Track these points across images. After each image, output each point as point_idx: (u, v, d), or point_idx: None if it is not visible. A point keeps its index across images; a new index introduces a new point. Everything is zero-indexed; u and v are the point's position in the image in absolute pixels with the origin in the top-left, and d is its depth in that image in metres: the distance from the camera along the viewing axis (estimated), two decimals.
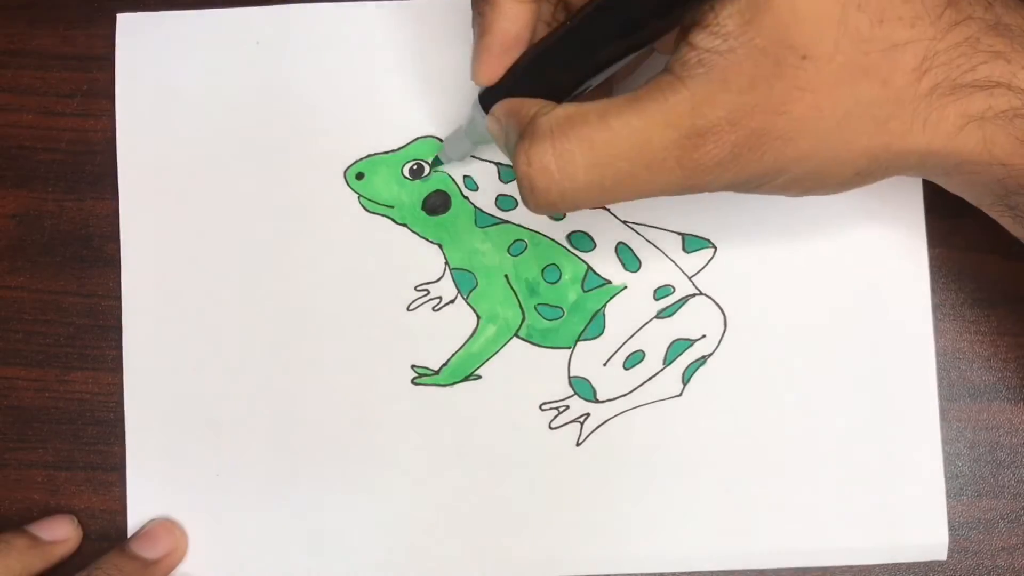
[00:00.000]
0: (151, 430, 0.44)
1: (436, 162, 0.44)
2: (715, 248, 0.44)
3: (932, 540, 0.43)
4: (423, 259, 0.44)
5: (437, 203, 0.44)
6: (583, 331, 0.44)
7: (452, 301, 0.44)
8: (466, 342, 0.44)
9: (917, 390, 0.43)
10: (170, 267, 0.44)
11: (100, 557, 0.42)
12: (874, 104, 0.31)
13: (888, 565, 0.43)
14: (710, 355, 0.43)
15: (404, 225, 0.44)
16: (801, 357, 0.43)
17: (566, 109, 0.32)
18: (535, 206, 0.32)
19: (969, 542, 0.43)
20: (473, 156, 0.44)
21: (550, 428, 0.43)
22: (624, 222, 0.44)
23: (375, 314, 0.44)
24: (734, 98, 0.30)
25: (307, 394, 0.44)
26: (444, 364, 0.44)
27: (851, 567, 0.43)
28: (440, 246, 0.44)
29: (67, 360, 0.45)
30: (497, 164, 0.44)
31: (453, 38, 0.44)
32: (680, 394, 0.43)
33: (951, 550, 0.43)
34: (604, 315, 0.44)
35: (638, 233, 0.44)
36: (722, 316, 0.44)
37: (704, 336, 0.43)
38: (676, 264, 0.44)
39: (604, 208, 0.44)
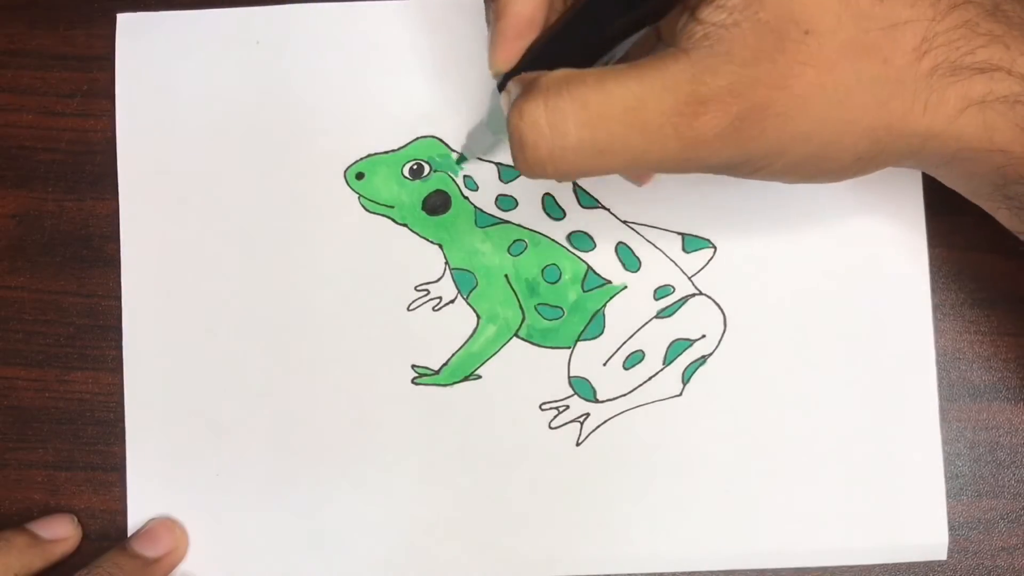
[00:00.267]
0: (151, 430, 0.44)
1: (460, 158, 0.44)
2: (715, 248, 0.44)
3: (932, 540, 0.43)
4: (423, 259, 0.44)
5: (437, 203, 0.44)
6: (583, 331, 0.44)
7: (452, 301, 0.44)
8: (466, 342, 0.44)
9: (917, 390, 0.43)
10: (170, 267, 0.44)
11: (100, 556, 0.42)
12: (875, 82, 0.31)
13: (888, 565, 0.43)
14: (710, 355, 0.43)
15: (404, 225, 0.44)
16: (801, 357, 0.43)
17: (565, 71, 0.31)
18: (524, 163, 0.31)
19: (969, 542, 0.43)
20: (485, 160, 0.44)
21: (550, 428, 0.43)
22: (624, 222, 0.44)
23: (375, 314, 0.44)
24: (736, 69, 0.30)
25: (307, 394, 0.44)
26: (444, 364, 0.44)
27: (851, 567, 0.43)
28: (440, 246, 0.44)
29: (67, 360, 0.45)
30: (497, 164, 0.44)
31: (454, 38, 0.44)
32: (680, 394, 0.43)
33: (951, 550, 0.43)
34: (604, 315, 0.44)
35: (638, 233, 0.44)
36: (722, 316, 0.44)
37: (704, 336, 0.43)
38: (676, 264, 0.44)
39: (604, 207, 0.44)
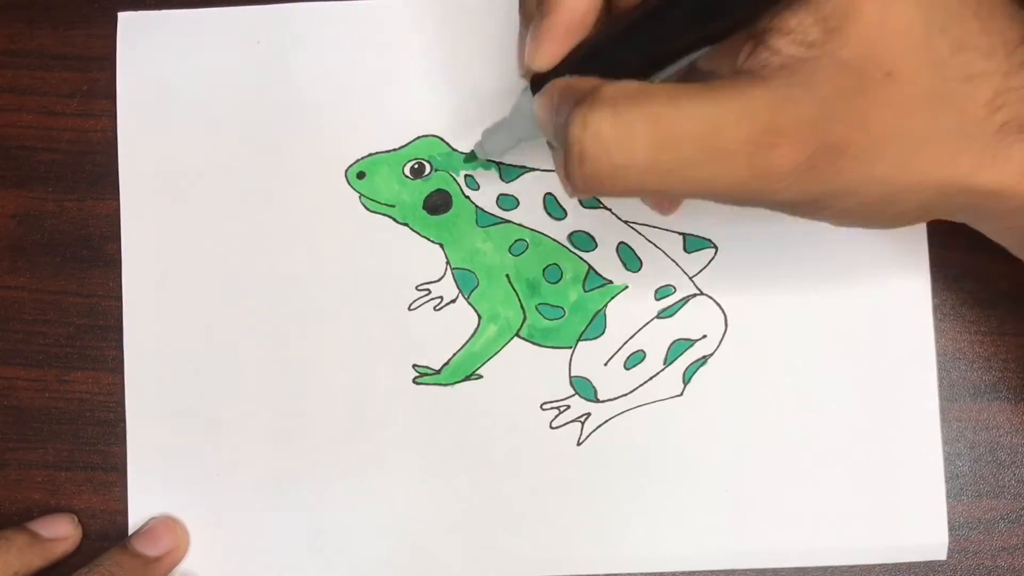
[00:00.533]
0: (151, 430, 0.44)
1: (471, 156, 0.43)
2: (716, 248, 0.44)
3: (932, 540, 0.43)
4: (424, 259, 0.44)
5: (438, 202, 0.44)
6: (584, 331, 0.44)
7: (453, 301, 0.44)
8: (467, 342, 0.44)
9: (917, 390, 0.43)
10: (170, 267, 0.44)
11: (101, 555, 0.42)
12: (950, 133, 0.30)
13: (888, 565, 0.43)
14: (711, 355, 0.43)
15: (405, 225, 0.44)
16: (801, 357, 0.43)
17: (634, 84, 0.29)
18: (581, 179, 0.29)
19: (969, 542, 0.43)
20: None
21: (551, 428, 0.43)
22: (625, 222, 0.44)
23: (376, 314, 0.44)
24: (818, 103, 0.29)
25: (308, 393, 0.44)
26: (445, 364, 0.44)
27: (851, 567, 0.43)
28: (441, 246, 0.44)
29: (67, 360, 0.45)
30: (499, 164, 0.44)
31: (455, 37, 0.44)
32: (681, 394, 0.43)
33: (951, 550, 0.43)
34: (605, 315, 0.44)
35: (639, 233, 0.44)
36: (723, 316, 0.44)
37: (705, 336, 0.44)
38: (677, 264, 0.44)
39: (605, 208, 0.44)
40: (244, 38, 0.45)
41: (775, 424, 0.43)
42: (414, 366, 0.44)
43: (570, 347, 0.44)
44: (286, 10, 0.45)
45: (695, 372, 0.43)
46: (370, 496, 0.43)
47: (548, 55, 0.32)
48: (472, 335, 0.44)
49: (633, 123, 0.28)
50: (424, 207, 0.44)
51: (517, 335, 0.44)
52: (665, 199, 0.37)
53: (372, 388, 0.44)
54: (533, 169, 0.44)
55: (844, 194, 0.30)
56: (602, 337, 0.44)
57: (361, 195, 0.44)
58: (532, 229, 0.44)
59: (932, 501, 0.43)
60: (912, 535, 0.43)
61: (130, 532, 0.44)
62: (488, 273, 0.44)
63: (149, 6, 0.45)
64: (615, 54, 0.31)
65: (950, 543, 0.43)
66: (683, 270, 0.44)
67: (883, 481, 0.43)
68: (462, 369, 0.44)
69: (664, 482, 0.43)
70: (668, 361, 0.43)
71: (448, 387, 0.44)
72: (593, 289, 0.44)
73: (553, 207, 0.44)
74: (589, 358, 0.43)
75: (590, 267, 0.44)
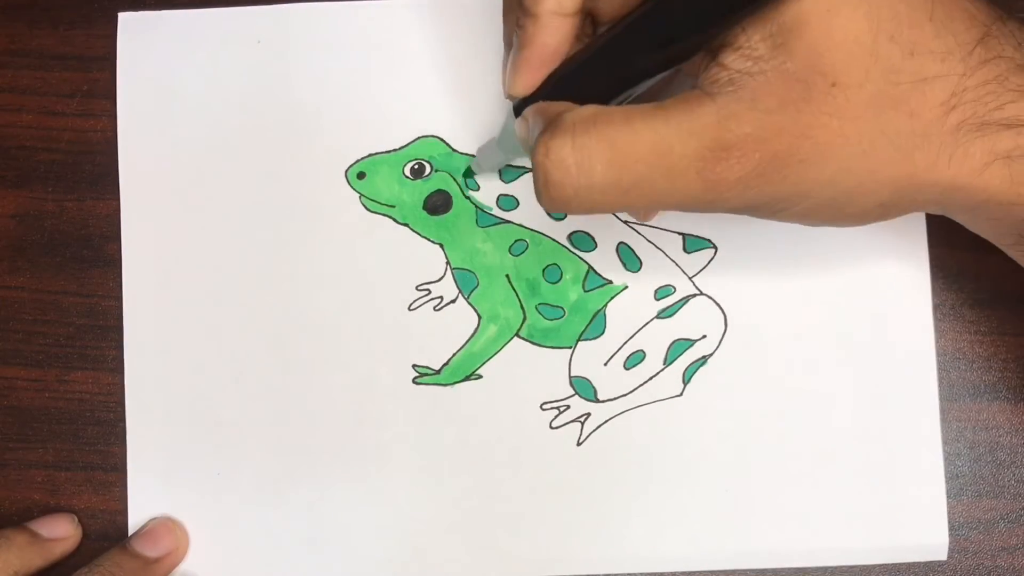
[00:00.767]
0: (151, 430, 0.44)
1: (468, 173, 0.44)
2: (716, 248, 0.44)
3: (932, 540, 0.43)
4: (424, 259, 0.44)
5: (438, 203, 0.44)
6: (584, 331, 0.44)
7: (453, 301, 0.44)
8: (467, 342, 0.44)
9: (917, 390, 0.43)
10: (171, 267, 0.44)
11: (101, 555, 0.42)
12: (901, 135, 0.31)
13: (888, 565, 0.43)
14: (711, 355, 0.43)
15: (405, 225, 0.44)
16: (801, 357, 0.43)
17: (592, 109, 0.31)
18: (548, 201, 0.31)
19: (969, 542, 0.43)
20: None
21: (551, 428, 0.43)
22: (625, 222, 0.44)
23: (376, 314, 0.44)
24: (762, 117, 0.30)
25: (308, 393, 0.44)
26: (445, 364, 0.44)
27: (851, 567, 0.43)
28: (441, 246, 0.44)
29: (67, 360, 0.45)
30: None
31: (455, 37, 0.44)
32: (680, 394, 0.43)
33: (951, 550, 0.43)
34: (605, 315, 0.44)
35: (639, 233, 0.44)
36: (723, 316, 0.44)
37: (705, 336, 0.44)
38: (677, 264, 0.44)
39: None
40: (244, 38, 0.45)
41: (775, 424, 0.43)
42: (414, 366, 0.44)
43: (570, 347, 0.44)
44: (286, 10, 0.45)
45: (695, 372, 0.43)
46: (370, 496, 0.43)
47: (524, 83, 0.35)
48: (472, 335, 0.44)
49: (591, 147, 0.30)
50: (424, 207, 0.44)
51: (517, 335, 0.44)
52: (637, 211, 0.38)
53: (372, 388, 0.44)
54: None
55: (796, 196, 0.32)
56: (602, 337, 0.44)
57: (361, 195, 0.44)
58: (532, 229, 0.44)
59: (932, 501, 0.43)
60: (912, 535, 0.43)
61: (130, 532, 0.44)
62: (488, 273, 0.44)
63: (149, 6, 0.45)
64: (585, 79, 0.33)
65: (950, 543, 0.43)
66: (683, 270, 0.44)
67: (883, 481, 0.43)
68: (462, 369, 0.44)
69: (664, 482, 0.43)
70: (668, 361, 0.43)
71: (448, 387, 0.44)
72: (593, 289, 0.44)
73: None
74: (589, 358, 0.44)
75: (590, 267, 0.44)
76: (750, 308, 0.44)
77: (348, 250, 0.44)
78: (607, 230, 0.44)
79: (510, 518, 0.43)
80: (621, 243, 0.44)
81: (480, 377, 0.44)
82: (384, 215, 0.44)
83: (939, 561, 0.43)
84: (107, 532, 0.44)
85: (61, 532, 0.43)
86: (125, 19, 0.45)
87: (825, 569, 0.43)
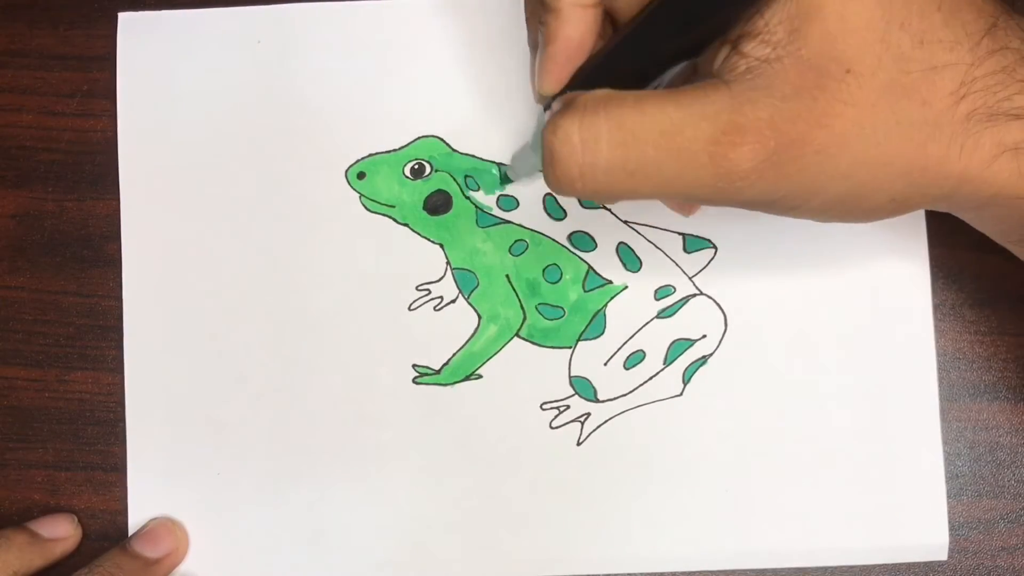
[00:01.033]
0: (151, 430, 0.44)
1: (504, 179, 0.44)
2: (716, 248, 0.44)
3: (933, 540, 0.43)
4: (424, 259, 0.44)
5: (438, 203, 0.44)
6: (584, 331, 0.44)
7: (453, 301, 0.44)
8: (467, 342, 0.44)
9: (917, 390, 0.43)
10: (171, 267, 0.44)
11: (101, 556, 0.42)
12: (914, 125, 0.31)
13: (888, 565, 0.43)
14: (711, 355, 0.43)
15: (405, 225, 0.44)
16: (801, 357, 0.43)
17: (605, 91, 0.31)
18: (554, 179, 0.31)
19: (969, 542, 0.43)
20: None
21: (551, 428, 0.43)
22: (625, 222, 0.44)
23: (376, 314, 0.44)
24: (777, 103, 0.30)
25: (308, 393, 0.44)
26: (445, 364, 0.44)
27: (851, 567, 0.43)
28: (441, 246, 0.44)
29: (67, 360, 0.45)
30: (499, 164, 0.44)
31: (455, 37, 0.44)
32: (680, 394, 0.43)
33: (951, 550, 0.43)
34: (605, 315, 0.44)
35: (639, 233, 0.44)
36: (723, 316, 0.44)
37: (705, 336, 0.44)
38: (677, 264, 0.44)
39: (605, 208, 0.44)
40: (244, 38, 0.45)
41: (775, 424, 0.43)
42: (414, 366, 0.44)
43: (570, 347, 0.44)
44: (286, 10, 0.45)
45: (695, 372, 0.43)
46: (370, 496, 0.43)
47: (553, 80, 0.34)
48: (472, 335, 0.44)
49: (598, 125, 0.30)
50: (424, 207, 0.44)
51: (517, 335, 0.44)
52: (675, 201, 0.38)
53: (372, 388, 0.44)
54: None
55: (811, 191, 0.31)
56: (602, 337, 0.44)
57: (361, 195, 0.44)
58: (532, 229, 0.44)
59: (933, 501, 0.43)
60: (913, 535, 0.43)
61: (130, 532, 0.44)
62: (488, 273, 0.44)
63: (149, 6, 0.45)
64: (610, 72, 0.33)
65: (950, 543, 0.43)
66: (683, 270, 0.44)
67: (883, 481, 0.43)
68: (462, 369, 0.44)
69: (664, 482, 0.43)
70: (668, 361, 0.43)
71: (448, 387, 0.44)
72: (593, 289, 0.44)
73: (553, 207, 0.44)
74: (589, 358, 0.44)
75: (590, 267, 0.44)
76: (750, 308, 0.44)
77: (348, 250, 0.44)
78: (607, 230, 0.44)
79: (510, 518, 0.43)
80: (621, 243, 0.44)
81: (480, 377, 0.44)
82: (384, 215, 0.44)
83: (939, 561, 0.43)
84: (107, 532, 0.44)
85: (61, 532, 0.43)
86: (125, 19, 0.45)
87: (825, 569, 0.43)
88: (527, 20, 0.37)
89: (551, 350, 0.44)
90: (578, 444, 0.43)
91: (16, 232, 0.45)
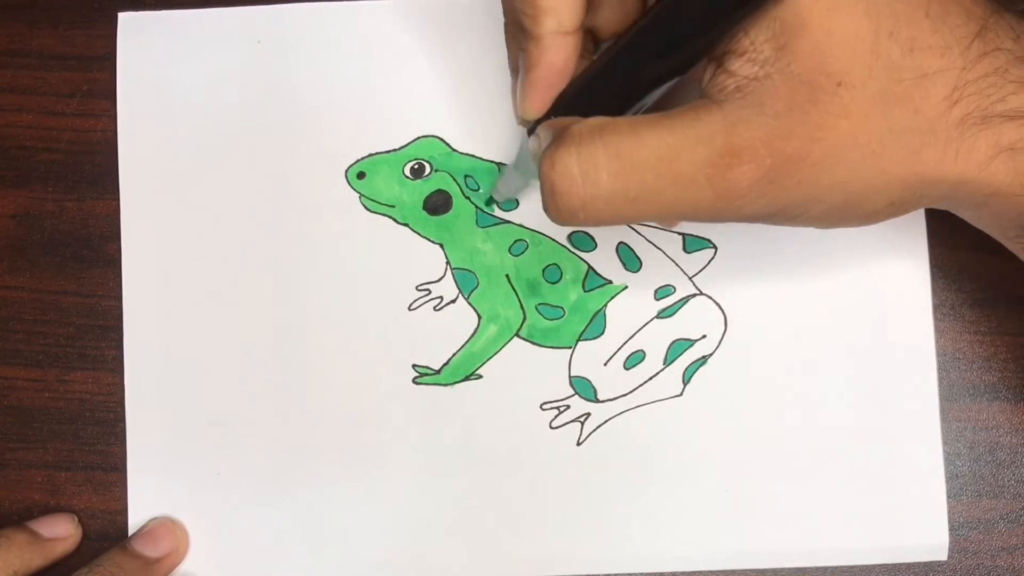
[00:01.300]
0: (151, 430, 0.44)
1: (490, 201, 0.44)
2: (716, 248, 0.44)
3: (933, 540, 0.43)
4: (424, 259, 0.44)
5: (438, 203, 0.44)
6: (584, 331, 0.44)
7: (453, 301, 0.44)
8: (467, 342, 0.44)
9: (917, 390, 0.43)
10: (171, 267, 0.44)
11: (101, 555, 0.42)
12: (908, 132, 0.31)
13: (888, 565, 0.43)
14: (711, 355, 0.43)
15: (405, 225, 0.44)
16: (801, 357, 0.43)
17: (598, 120, 0.31)
18: (556, 212, 0.31)
19: (969, 542, 0.43)
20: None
21: (551, 428, 0.43)
22: None
23: (376, 314, 0.44)
24: (770, 121, 0.30)
25: (308, 393, 0.44)
26: (445, 364, 0.44)
27: (851, 567, 0.43)
28: (441, 246, 0.44)
29: (67, 360, 0.45)
30: (499, 164, 0.44)
31: (455, 37, 0.44)
32: (680, 394, 0.43)
33: (951, 550, 0.43)
34: (605, 315, 0.44)
35: (639, 233, 0.44)
36: (722, 316, 0.44)
37: (705, 336, 0.44)
38: (677, 264, 0.44)
39: None
40: (244, 38, 0.45)
41: (775, 424, 0.43)
42: (414, 366, 0.44)
43: (570, 347, 0.44)
44: (286, 10, 0.45)
45: (695, 372, 0.43)
46: (370, 496, 0.43)
47: (535, 105, 0.35)
48: (472, 335, 0.44)
49: (597, 157, 0.30)
50: (424, 207, 0.44)
51: (517, 335, 0.44)
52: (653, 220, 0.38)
53: (372, 388, 0.44)
54: None
55: (810, 202, 0.32)
56: (602, 337, 0.44)
57: (361, 195, 0.44)
58: (532, 229, 0.44)
59: (933, 501, 0.43)
60: (912, 535, 0.43)
61: (130, 532, 0.44)
62: (488, 273, 0.44)
63: (149, 6, 0.45)
64: (595, 95, 0.33)
65: (950, 543, 0.43)
66: (683, 270, 0.44)
67: (883, 481, 0.43)
68: (462, 369, 0.44)
69: (664, 482, 0.43)
70: (668, 361, 0.43)
71: (448, 387, 0.44)
72: (593, 289, 0.44)
73: None
74: (589, 358, 0.44)
75: (590, 267, 0.44)
76: (750, 308, 0.44)
77: (348, 250, 0.44)
78: (607, 230, 0.44)
79: (510, 518, 0.43)
80: (621, 243, 0.44)
81: (480, 377, 0.44)
82: (384, 215, 0.44)
83: (939, 561, 0.43)
84: (107, 532, 0.44)
85: (61, 532, 0.43)
86: (125, 19, 0.45)
87: (825, 569, 0.43)
88: (507, 44, 0.37)
89: (551, 350, 0.44)
90: (578, 444, 0.43)
91: (16, 232, 0.45)
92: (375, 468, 0.44)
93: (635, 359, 0.43)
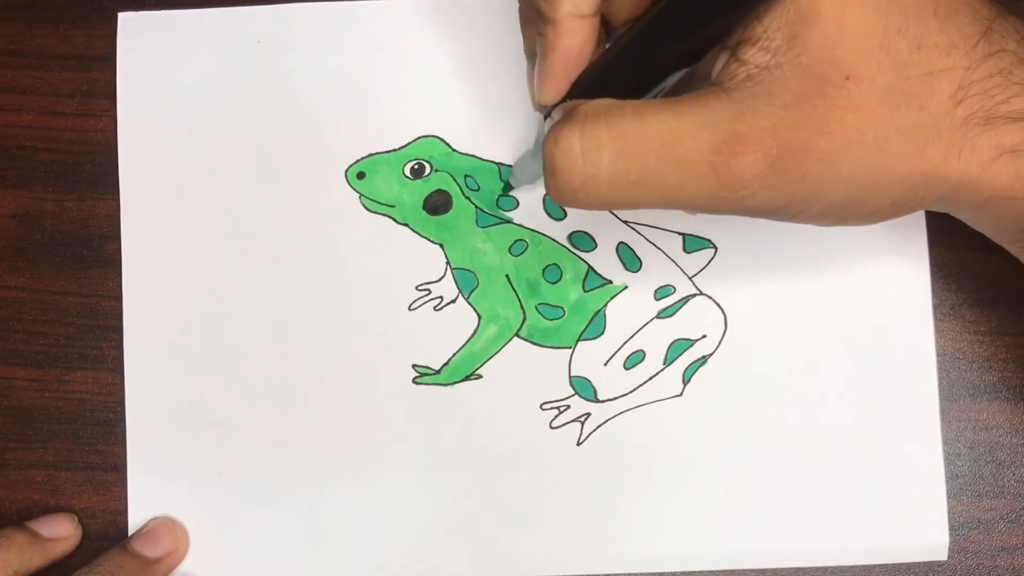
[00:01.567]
0: (151, 430, 0.44)
1: (507, 187, 0.44)
2: (716, 248, 0.44)
3: (933, 540, 0.43)
4: (424, 259, 0.44)
5: (438, 203, 0.44)
6: (584, 331, 0.44)
7: (453, 301, 0.44)
8: (467, 342, 0.44)
9: (917, 390, 0.43)
10: (171, 267, 0.44)
11: (101, 555, 0.42)
12: (913, 129, 0.31)
13: (888, 565, 0.43)
14: (711, 355, 0.43)
15: (405, 225, 0.44)
16: (801, 357, 0.43)
17: (605, 101, 0.31)
18: (556, 190, 0.31)
19: (969, 542, 0.43)
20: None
21: (551, 428, 0.43)
22: (625, 222, 0.44)
23: (376, 314, 0.44)
24: (778, 111, 0.30)
25: (308, 393, 0.44)
26: (445, 364, 0.44)
27: (851, 567, 0.43)
28: (441, 246, 0.44)
29: (67, 360, 0.45)
30: (499, 164, 0.44)
31: (455, 37, 0.44)
32: (680, 394, 0.43)
33: (951, 550, 0.43)
34: (605, 315, 0.44)
35: (639, 233, 0.44)
36: (722, 316, 0.44)
37: (705, 336, 0.44)
38: (677, 264, 0.44)
39: None
40: (244, 38, 0.45)
41: (775, 424, 0.43)
42: (414, 366, 0.44)
43: (570, 347, 0.44)
44: (286, 10, 0.45)
45: (695, 372, 0.43)
46: (370, 496, 0.43)
47: (552, 90, 0.34)
48: (472, 335, 0.44)
49: (599, 136, 0.30)
50: (424, 207, 0.44)
51: (517, 335, 0.44)
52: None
53: (372, 388, 0.44)
54: None
55: (814, 197, 0.31)
56: (602, 337, 0.44)
57: (361, 195, 0.44)
58: (532, 229, 0.44)
59: (933, 501, 0.43)
60: (912, 535, 0.43)
61: (130, 532, 0.44)
62: (488, 273, 0.44)
63: (149, 6, 0.45)
64: (611, 80, 0.33)
65: (950, 543, 0.43)
66: (683, 270, 0.44)
67: (883, 481, 0.43)
68: (462, 369, 0.44)
69: (664, 482, 0.43)
70: (668, 361, 0.43)
71: (448, 387, 0.44)
72: (593, 289, 0.44)
73: (553, 207, 0.44)
74: (589, 358, 0.43)
75: (590, 267, 0.44)
76: (750, 308, 0.44)
77: (348, 250, 0.44)
78: (607, 230, 0.44)
79: (510, 518, 0.43)
80: (621, 243, 0.44)
81: (480, 377, 0.44)
82: (384, 215, 0.44)
83: (939, 561, 0.43)
84: (107, 532, 0.44)
85: (61, 532, 0.43)
86: (125, 19, 0.45)
87: (825, 569, 0.43)
88: (523, 29, 0.37)
89: (551, 350, 0.44)
90: (578, 444, 0.43)
91: (16, 232, 0.45)
92: (375, 468, 0.44)
93: (635, 359, 0.43)
